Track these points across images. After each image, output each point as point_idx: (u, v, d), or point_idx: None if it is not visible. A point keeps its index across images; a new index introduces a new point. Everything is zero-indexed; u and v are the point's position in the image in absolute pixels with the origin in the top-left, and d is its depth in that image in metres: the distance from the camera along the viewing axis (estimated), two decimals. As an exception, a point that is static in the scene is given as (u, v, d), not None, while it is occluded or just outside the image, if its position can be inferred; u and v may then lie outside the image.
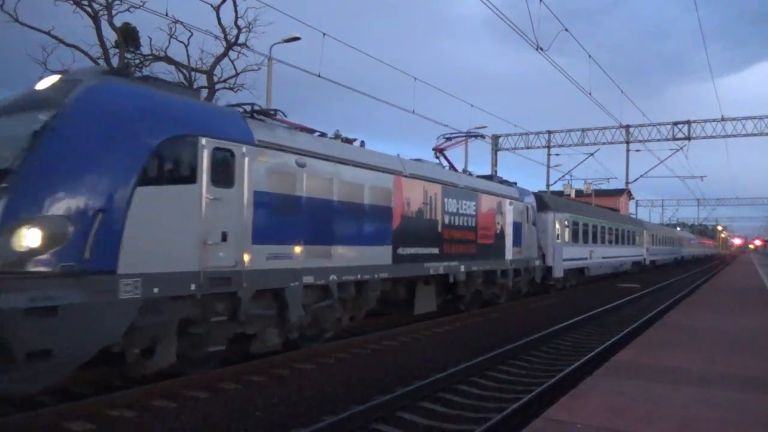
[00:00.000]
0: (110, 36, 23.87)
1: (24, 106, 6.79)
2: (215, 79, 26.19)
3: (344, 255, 9.75)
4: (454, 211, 13.29)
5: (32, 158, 6.09)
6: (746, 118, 32.45)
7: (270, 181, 8.34)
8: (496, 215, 15.39)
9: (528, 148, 37.79)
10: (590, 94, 23.18)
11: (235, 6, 24.33)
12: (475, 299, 15.00)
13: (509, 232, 16.11)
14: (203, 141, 7.40)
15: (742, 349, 8.58)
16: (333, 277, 9.46)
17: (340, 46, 20.98)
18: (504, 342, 10.99)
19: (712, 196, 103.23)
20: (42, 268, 5.87)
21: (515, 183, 18.14)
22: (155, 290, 6.68)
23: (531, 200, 18.17)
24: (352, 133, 11.80)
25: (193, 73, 25.94)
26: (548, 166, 38.80)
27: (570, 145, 37.04)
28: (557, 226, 20.38)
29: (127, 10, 22.67)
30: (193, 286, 7.11)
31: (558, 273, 20.16)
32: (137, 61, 25.36)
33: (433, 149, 15.77)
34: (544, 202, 20.15)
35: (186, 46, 25.09)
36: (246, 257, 7.86)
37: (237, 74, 26.55)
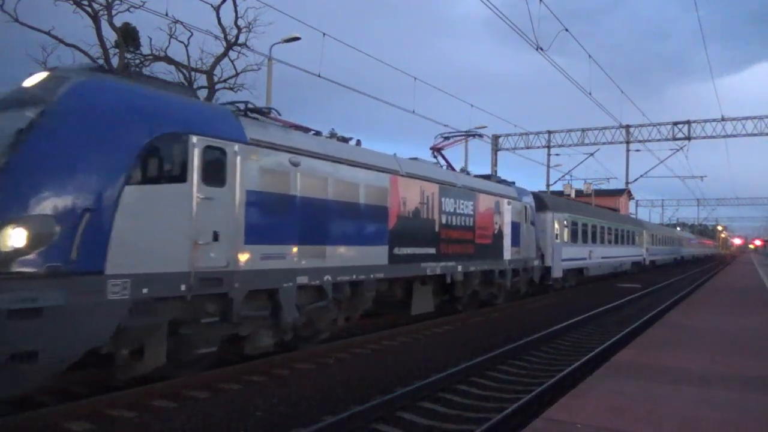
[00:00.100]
0: (110, 36, 23.90)
1: (11, 104, 6.67)
2: (215, 79, 26.21)
3: (339, 255, 9.64)
4: (452, 210, 13.19)
5: (18, 156, 5.99)
6: (746, 118, 32.46)
7: (263, 180, 8.23)
8: (494, 215, 15.29)
9: (528, 148, 37.81)
10: (590, 94, 23.19)
11: (235, 6, 24.36)
12: (473, 300, 14.93)
13: (507, 232, 16.01)
14: (194, 139, 7.28)
15: (742, 349, 8.58)
16: (328, 277, 9.36)
17: (340, 46, 20.97)
18: (504, 342, 10.98)
19: (712, 196, 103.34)
20: (27, 269, 5.76)
21: (513, 182, 18.07)
22: (144, 291, 6.57)
23: (529, 200, 18.08)
24: (352, 133, 11.81)
25: (193, 73, 25.96)
26: (548, 166, 38.83)
27: (570, 145, 37.07)
28: (556, 225, 20.29)
29: (127, 10, 22.71)
30: (183, 287, 7.00)
31: (557, 273, 20.07)
32: (137, 61, 25.38)
33: (431, 148, 15.67)
34: (542, 201, 20.04)
35: (186, 46, 25.12)
36: (238, 257, 7.75)
37: (237, 74, 26.58)
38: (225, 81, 26.54)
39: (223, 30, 24.82)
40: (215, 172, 7.52)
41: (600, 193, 49.63)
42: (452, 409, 7.06)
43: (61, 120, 6.32)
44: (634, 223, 37.81)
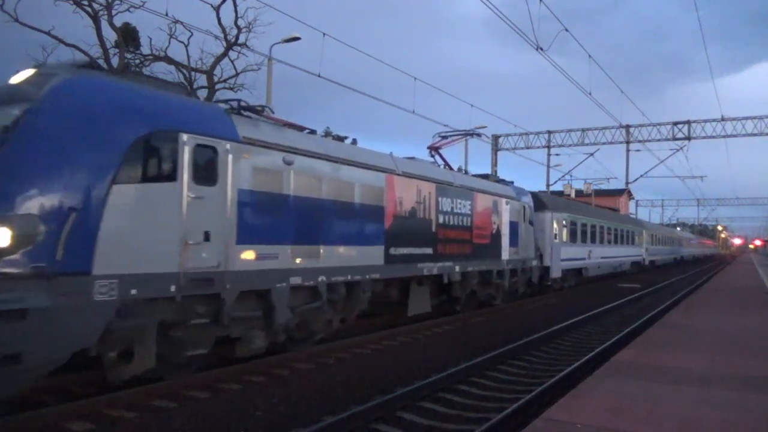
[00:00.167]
0: (110, 36, 23.89)
1: None
2: (215, 79, 26.20)
3: (334, 255, 9.50)
4: (449, 210, 13.07)
5: (1, 154, 5.89)
6: (746, 118, 32.46)
7: (255, 178, 8.10)
8: (492, 215, 15.18)
9: (528, 148, 37.81)
10: (590, 94, 23.19)
11: (235, 6, 24.35)
12: (471, 300, 14.82)
13: (505, 231, 15.91)
14: (184, 137, 7.15)
15: (742, 349, 8.58)
16: (322, 278, 9.23)
17: (340, 46, 20.98)
18: (504, 342, 10.98)
19: (712, 196, 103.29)
20: (11, 270, 5.63)
21: (512, 182, 18.02)
22: (132, 292, 6.44)
23: (528, 199, 17.99)
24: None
25: (193, 73, 25.95)
26: (548, 166, 38.84)
27: (570, 145, 37.08)
28: (555, 225, 20.20)
29: (127, 10, 22.69)
30: (173, 288, 6.87)
31: (556, 273, 19.98)
32: (137, 61, 25.38)
33: (428, 147, 15.51)
34: (541, 201, 19.91)
35: (186, 46, 25.10)
36: (230, 258, 7.61)
37: (237, 74, 26.57)
38: (225, 81, 26.55)
39: (223, 30, 24.82)
40: (206, 170, 7.40)
41: (600, 193, 49.64)
42: (452, 409, 7.06)
43: (46, 118, 6.19)
44: (634, 223, 37.82)
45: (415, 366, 8.98)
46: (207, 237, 7.30)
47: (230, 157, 7.70)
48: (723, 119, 32.83)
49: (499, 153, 38.19)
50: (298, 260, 8.78)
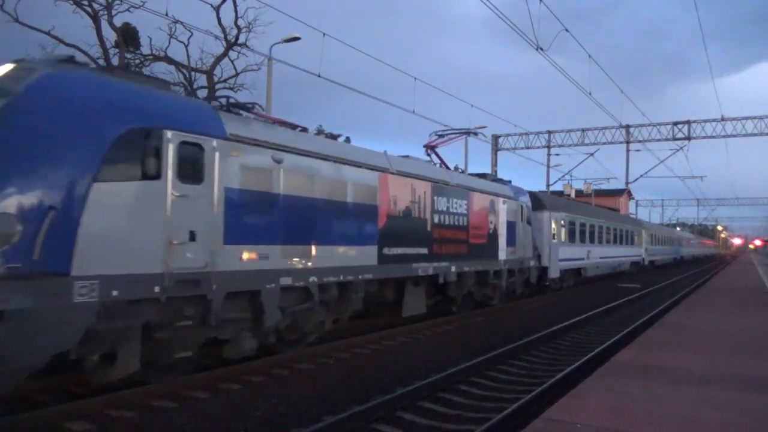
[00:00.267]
0: (110, 36, 23.94)
1: None
2: (215, 79, 26.23)
3: (326, 255, 9.31)
4: (445, 209, 12.88)
5: None
6: (746, 118, 32.47)
7: (244, 177, 7.90)
8: (488, 214, 15.02)
9: (528, 148, 37.81)
10: (590, 94, 23.18)
11: (235, 6, 24.41)
12: (468, 301, 14.64)
13: (503, 231, 15.72)
14: (168, 134, 6.96)
15: (742, 349, 8.59)
16: (313, 278, 9.05)
17: (340, 46, 21.00)
18: (504, 342, 10.98)
19: (712, 196, 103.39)
20: None
21: (509, 181, 17.95)
22: (114, 293, 6.24)
23: (526, 199, 17.86)
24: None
25: (193, 73, 25.98)
26: (548, 166, 38.84)
27: (570, 145, 37.07)
28: (553, 225, 20.04)
29: (127, 10, 22.76)
30: (156, 289, 6.67)
31: (554, 273, 19.82)
32: (137, 61, 25.40)
33: (425, 146, 15.38)
34: (539, 200, 19.75)
35: (186, 46, 25.17)
36: (217, 258, 7.43)
37: (237, 74, 26.65)
38: (225, 81, 26.60)
39: (223, 30, 24.88)
40: (192, 168, 7.21)
41: (600, 193, 49.65)
42: (452, 409, 7.06)
43: (24, 113, 6.01)
44: (633, 222, 37.81)
45: (415, 366, 8.98)
46: (193, 237, 7.12)
47: (217, 154, 7.52)
48: (723, 119, 32.84)
49: (499, 153, 38.20)
50: (288, 260, 8.61)
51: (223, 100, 8.62)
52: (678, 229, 72.69)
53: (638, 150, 37.64)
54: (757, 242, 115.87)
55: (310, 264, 9.02)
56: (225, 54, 25.57)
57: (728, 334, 9.94)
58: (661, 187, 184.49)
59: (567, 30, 17.90)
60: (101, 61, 22.24)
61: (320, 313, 9.50)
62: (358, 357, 9.66)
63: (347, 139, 11.11)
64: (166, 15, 21.17)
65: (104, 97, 6.65)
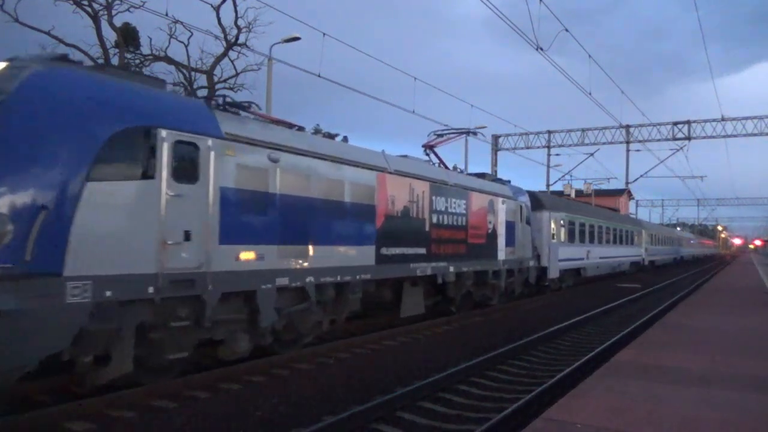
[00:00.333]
0: (110, 36, 23.93)
1: None
2: (215, 79, 26.23)
3: (322, 255, 9.24)
4: (443, 209, 12.82)
5: None
6: (746, 118, 32.46)
7: (239, 176, 7.84)
8: (487, 214, 14.94)
9: (528, 148, 37.81)
10: (590, 94, 23.17)
11: (235, 6, 24.39)
12: (466, 301, 14.58)
13: (502, 231, 15.67)
14: (163, 133, 6.89)
15: (742, 349, 8.58)
16: (310, 278, 8.98)
17: (340, 46, 21.00)
18: (504, 342, 10.98)
19: (712, 196, 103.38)
20: None
21: (509, 181, 17.91)
22: (107, 294, 6.18)
23: (525, 199, 17.80)
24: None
25: (193, 73, 25.98)
26: (548, 166, 38.84)
27: (570, 145, 37.07)
28: (553, 225, 19.98)
29: (127, 10, 22.76)
30: (150, 289, 6.61)
31: (553, 273, 19.77)
32: (137, 61, 25.40)
33: (423, 146, 15.29)
34: (538, 200, 19.68)
35: (186, 46, 25.16)
36: (212, 258, 7.35)
37: (237, 74, 26.63)
38: (225, 81, 26.59)
39: (223, 30, 24.87)
40: (186, 168, 7.14)
41: (600, 193, 49.65)
42: (452, 409, 7.06)
43: (16, 111, 5.93)
44: (633, 222, 37.80)
45: (415, 366, 8.98)
46: (187, 237, 7.06)
47: (212, 153, 7.45)
48: (723, 119, 32.84)
49: (499, 153, 38.20)
50: (284, 261, 8.53)
51: (220, 100, 8.55)
52: (678, 229, 72.67)
53: (638, 150, 37.66)
54: (757, 242, 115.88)
55: (306, 264, 8.96)
56: (225, 54, 25.57)
57: (728, 334, 9.94)
58: (661, 187, 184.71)
59: (567, 30, 17.90)
60: (101, 61, 22.23)
61: (317, 313, 9.44)
62: (358, 357, 9.66)
63: (345, 139, 11.05)
64: (166, 15, 21.19)
65: (97, 96, 6.57)
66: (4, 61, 6.53)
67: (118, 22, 23.82)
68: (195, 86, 25.69)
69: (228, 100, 8.64)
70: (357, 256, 10.10)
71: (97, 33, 23.01)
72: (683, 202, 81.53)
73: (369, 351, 10.14)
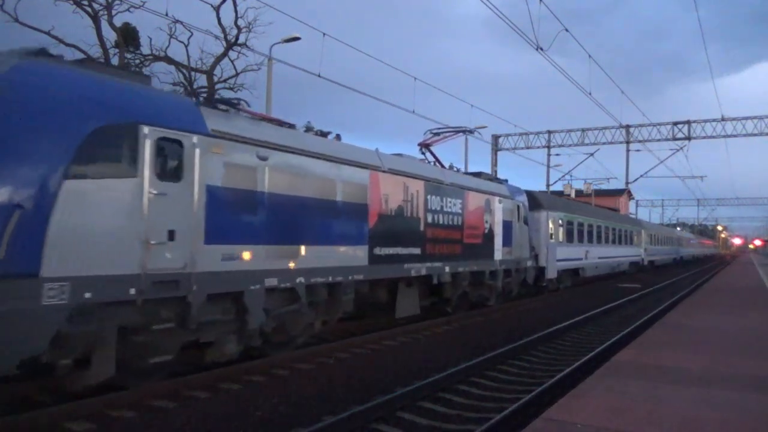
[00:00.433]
0: (110, 36, 23.93)
1: None
2: (215, 79, 26.23)
3: (313, 256, 9.07)
4: (438, 209, 12.67)
5: None
6: (746, 118, 32.49)
7: (226, 174, 7.66)
8: (484, 213, 14.79)
9: (528, 148, 37.84)
10: (590, 94, 23.17)
11: (235, 6, 24.39)
12: (463, 302, 14.46)
13: (498, 231, 15.53)
14: (145, 130, 6.69)
15: (742, 349, 8.59)
16: (300, 279, 8.82)
17: (340, 46, 21.02)
18: (504, 342, 10.98)
19: (712, 196, 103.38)
20: None
21: (506, 180, 17.83)
22: (87, 295, 5.99)
23: (522, 198, 17.68)
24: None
25: (193, 73, 25.98)
26: (548, 166, 38.86)
27: (570, 145, 37.11)
28: (551, 225, 19.88)
29: (127, 10, 22.75)
30: (132, 291, 6.43)
31: (551, 274, 19.66)
32: (137, 61, 25.40)
33: (419, 144, 15.11)
34: (536, 200, 19.55)
35: (186, 46, 25.16)
36: (197, 258, 7.17)
37: (237, 74, 26.63)
38: (225, 81, 26.59)
39: (223, 30, 24.86)
40: (170, 165, 6.96)
41: (600, 193, 49.66)
42: (452, 409, 7.06)
43: None
44: (633, 222, 37.79)
45: (415, 366, 8.99)
46: (171, 236, 6.88)
47: (197, 151, 7.27)
48: (723, 119, 32.86)
49: (499, 153, 38.23)
50: (273, 261, 8.37)
51: (207, 96, 8.40)
52: (678, 229, 72.68)
53: (638, 150, 37.70)
54: (757, 242, 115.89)
55: (296, 265, 8.80)
56: (225, 54, 25.57)
57: (728, 334, 9.94)
58: (661, 187, 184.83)
59: (567, 30, 17.90)
60: (101, 61, 22.23)
61: (308, 314, 9.28)
62: (358, 357, 9.66)
63: (338, 137, 10.91)
64: (166, 15, 21.17)
65: (77, 91, 6.40)
66: None
67: (118, 22, 23.84)
68: (195, 86, 25.68)
69: (216, 96, 8.53)
70: (349, 256, 9.96)
71: (97, 33, 23.02)
72: (683, 202, 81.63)
73: (369, 351, 10.15)
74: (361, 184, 10.35)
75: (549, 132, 37.50)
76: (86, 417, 6.20)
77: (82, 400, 6.53)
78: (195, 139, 7.28)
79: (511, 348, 10.23)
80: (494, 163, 38.01)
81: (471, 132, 17.80)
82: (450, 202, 13.22)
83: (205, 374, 7.78)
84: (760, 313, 13.20)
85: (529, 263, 17.90)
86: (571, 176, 41.31)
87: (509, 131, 37.65)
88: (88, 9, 22.73)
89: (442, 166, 14.71)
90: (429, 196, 12.39)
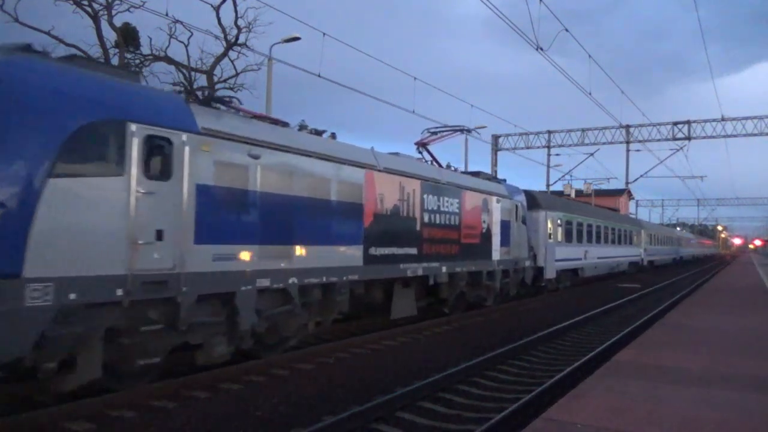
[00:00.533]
0: (110, 36, 23.94)
1: None
2: (215, 79, 26.23)
3: (306, 256, 8.95)
4: (435, 208, 12.54)
5: None
6: (746, 118, 32.50)
7: (217, 173, 7.53)
8: (481, 213, 14.69)
9: (528, 148, 37.85)
10: (590, 94, 23.17)
11: (235, 6, 24.40)
12: (460, 302, 14.35)
13: (496, 231, 15.43)
14: (132, 127, 6.57)
15: (742, 349, 8.59)
16: (293, 279, 8.69)
17: (340, 46, 21.01)
18: (503, 342, 10.98)
19: (712, 196, 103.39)
20: None
21: (504, 180, 17.78)
22: (71, 296, 5.87)
23: (521, 198, 17.61)
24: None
25: (193, 73, 25.98)
26: (548, 166, 38.88)
27: (570, 145, 37.12)
28: (549, 225, 19.80)
29: (127, 10, 22.76)
30: (119, 292, 6.31)
31: (550, 274, 19.59)
32: (137, 61, 25.41)
33: (416, 143, 15.06)
34: (535, 200, 19.46)
35: (186, 46, 25.16)
36: (186, 258, 7.05)
37: (237, 74, 26.64)
38: (225, 81, 26.60)
39: (223, 30, 24.87)
40: (159, 163, 6.84)
41: (600, 193, 49.68)
42: (452, 409, 7.06)
43: None
44: (632, 222, 37.79)
45: (415, 366, 8.99)
46: (160, 236, 6.76)
47: (187, 149, 7.14)
48: (723, 119, 32.88)
49: (499, 153, 38.23)
50: (265, 261, 8.25)
51: (198, 93, 8.41)
52: (678, 229, 72.68)
53: (638, 150, 37.72)
54: (757, 242, 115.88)
55: (289, 265, 8.68)
56: (225, 54, 25.58)
57: (728, 334, 9.94)
58: (661, 187, 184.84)
59: (567, 30, 17.90)
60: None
61: (302, 315, 9.17)
62: (358, 357, 9.66)
63: (332, 135, 10.87)
64: (166, 15, 21.19)
65: (62, 87, 6.26)
66: None
67: (118, 22, 23.85)
68: (195, 86, 25.69)
69: (206, 94, 8.47)
70: (343, 256, 9.85)
71: (97, 33, 23.04)
72: (683, 202, 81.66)
73: (369, 351, 10.14)
74: (356, 183, 10.24)
75: (549, 132, 37.52)
76: (86, 417, 6.19)
77: (82, 400, 6.52)
78: (184, 136, 7.17)
79: (511, 348, 10.23)
80: (494, 163, 38.02)
81: (469, 131, 17.72)
82: (447, 201, 13.11)
83: (205, 374, 7.78)
84: (760, 313, 13.20)
85: (528, 263, 17.82)
86: (571, 176, 41.38)
87: (509, 131, 37.70)
88: (88, 9, 22.75)
89: (440, 165, 14.63)
90: (425, 196, 12.29)
